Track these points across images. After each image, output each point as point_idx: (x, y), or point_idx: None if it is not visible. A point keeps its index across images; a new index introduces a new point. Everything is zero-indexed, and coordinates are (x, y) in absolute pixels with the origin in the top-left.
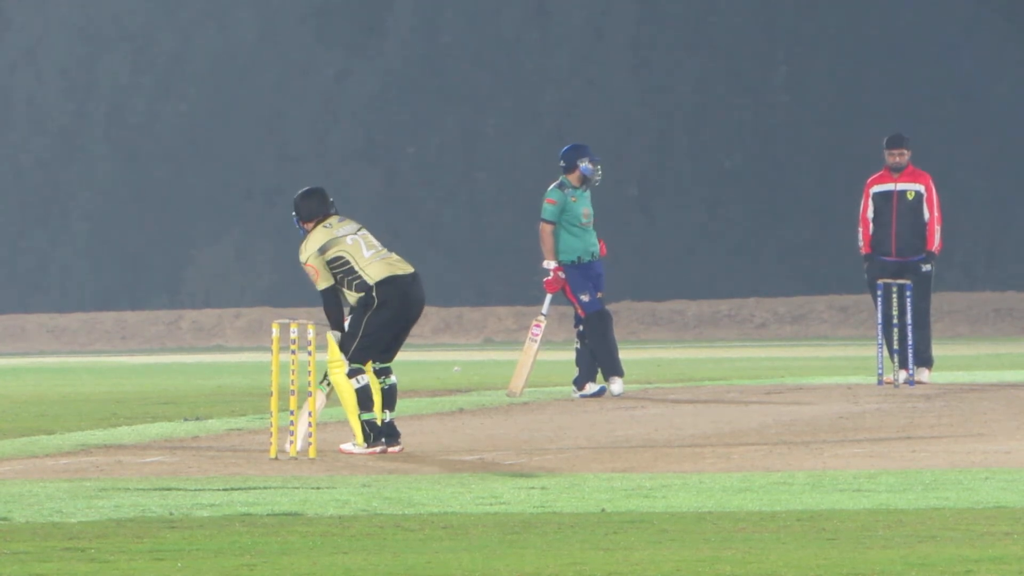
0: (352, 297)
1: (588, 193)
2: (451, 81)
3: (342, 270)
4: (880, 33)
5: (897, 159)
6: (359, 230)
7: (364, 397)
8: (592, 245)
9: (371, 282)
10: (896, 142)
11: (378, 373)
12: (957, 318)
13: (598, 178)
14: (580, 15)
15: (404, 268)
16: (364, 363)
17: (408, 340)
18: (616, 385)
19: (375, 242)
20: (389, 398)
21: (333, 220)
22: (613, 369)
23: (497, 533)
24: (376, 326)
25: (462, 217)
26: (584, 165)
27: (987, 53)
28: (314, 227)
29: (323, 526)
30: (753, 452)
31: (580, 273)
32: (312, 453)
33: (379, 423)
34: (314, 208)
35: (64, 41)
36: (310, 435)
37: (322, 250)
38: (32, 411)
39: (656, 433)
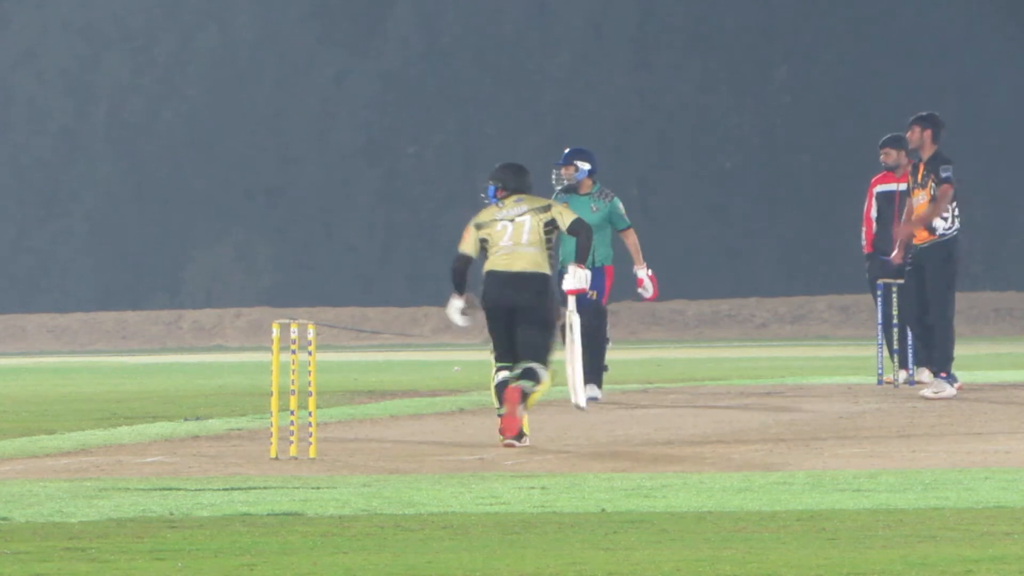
0: None
1: (596, 200)
2: (451, 81)
3: (484, 252)
4: (880, 33)
5: (883, 159)
6: (523, 215)
7: (496, 393)
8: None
9: (483, 272)
10: (884, 142)
11: (519, 374)
12: (957, 318)
13: (554, 183)
14: (580, 15)
15: (509, 265)
16: (498, 360)
17: (408, 340)
18: (593, 390)
19: (525, 235)
20: (523, 373)
21: (510, 200)
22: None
23: (497, 533)
24: (487, 320)
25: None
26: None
27: (987, 53)
28: (501, 199)
29: (323, 526)
30: (753, 452)
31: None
32: (312, 453)
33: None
34: (508, 182)
35: (64, 41)
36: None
37: (478, 225)
38: (32, 411)
39: (656, 433)
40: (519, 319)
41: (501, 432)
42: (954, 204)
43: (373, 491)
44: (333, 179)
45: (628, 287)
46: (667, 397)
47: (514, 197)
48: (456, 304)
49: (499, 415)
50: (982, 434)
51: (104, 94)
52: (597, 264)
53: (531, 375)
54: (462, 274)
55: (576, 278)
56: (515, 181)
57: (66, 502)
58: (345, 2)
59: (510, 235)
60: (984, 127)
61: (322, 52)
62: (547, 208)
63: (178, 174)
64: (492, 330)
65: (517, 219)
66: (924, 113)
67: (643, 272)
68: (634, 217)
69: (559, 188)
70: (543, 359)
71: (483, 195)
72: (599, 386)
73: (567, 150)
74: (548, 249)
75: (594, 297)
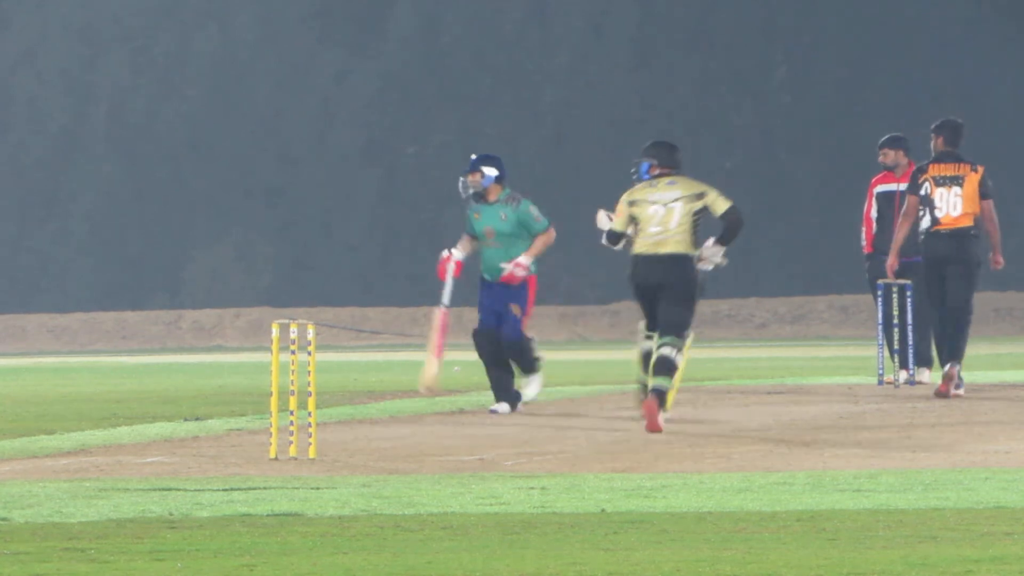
0: None
1: (505, 207)
2: (451, 81)
3: (633, 229)
4: (880, 33)
5: (881, 159)
6: (675, 200)
7: (640, 361)
8: (493, 268)
9: (631, 253)
10: (883, 143)
11: (658, 346)
12: None
13: (460, 191)
14: (580, 15)
15: (652, 248)
16: (647, 328)
17: (407, 340)
18: (502, 407)
19: (674, 222)
20: (657, 362)
21: (663, 182)
22: (497, 396)
23: (497, 533)
24: (635, 297)
25: (462, 217)
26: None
27: (987, 53)
28: (654, 177)
29: (323, 526)
30: (753, 452)
31: (480, 290)
32: (312, 453)
33: (646, 385)
34: (661, 158)
35: (64, 41)
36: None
37: (631, 203)
38: (32, 411)
39: (656, 433)
40: (662, 296)
41: (646, 427)
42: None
43: (373, 491)
44: (333, 179)
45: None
46: None
47: (667, 178)
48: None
49: (639, 379)
50: (982, 434)
51: (104, 94)
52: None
53: (664, 367)
54: (615, 242)
55: (711, 251)
56: (669, 158)
57: (65, 502)
58: (345, 2)
59: (660, 220)
60: (984, 127)
61: (322, 52)
62: (701, 196)
63: (178, 174)
64: (640, 304)
65: (670, 204)
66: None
67: (524, 259)
68: None
69: (466, 196)
70: (681, 333)
71: (633, 171)
72: (536, 372)
73: (473, 157)
74: (695, 234)
75: (518, 313)
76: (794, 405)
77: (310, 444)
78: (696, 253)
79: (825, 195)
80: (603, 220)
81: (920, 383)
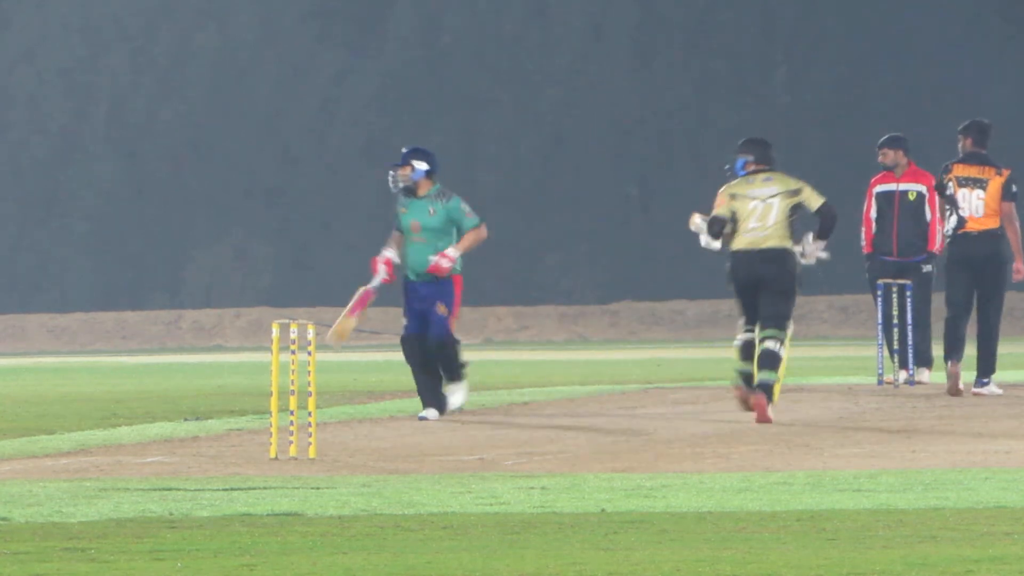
0: None
1: (434, 202)
2: (451, 81)
3: (731, 224)
4: (880, 34)
5: (880, 159)
6: (773, 196)
7: (740, 352)
8: (417, 264)
9: (730, 249)
10: (882, 143)
11: (760, 339)
12: None
13: (390, 185)
14: (580, 15)
15: (752, 244)
16: (745, 324)
17: None
18: (431, 412)
19: (771, 218)
20: (761, 356)
21: (760, 177)
22: (425, 401)
23: (497, 533)
24: (735, 292)
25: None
26: None
27: (987, 53)
28: (750, 173)
29: (323, 526)
30: (753, 452)
31: (405, 292)
32: (312, 453)
33: (747, 374)
34: (757, 155)
35: (64, 41)
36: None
37: (732, 196)
38: (32, 411)
39: (656, 433)
40: (764, 290)
41: (756, 419)
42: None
43: (373, 491)
44: (333, 179)
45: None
46: (667, 397)
47: (763, 175)
48: (699, 223)
49: (737, 370)
50: (982, 434)
51: (104, 94)
52: (453, 271)
53: (768, 361)
54: (719, 234)
55: (813, 246)
56: (763, 154)
57: (65, 502)
58: (345, 2)
59: (758, 216)
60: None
61: (322, 52)
62: (797, 192)
63: (178, 174)
64: (740, 300)
65: (767, 200)
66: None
67: (452, 251)
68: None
69: (396, 190)
70: (783, 325)
71: (727, 168)
72: (461, 380)
73: (404, 150)
74: (791, 228)
75: (444, 313)
76: (794, 405)
77: (310, 444)
78: (795, 247)
79: (825, 195)
80: (698, 222)
81: (920, 383)
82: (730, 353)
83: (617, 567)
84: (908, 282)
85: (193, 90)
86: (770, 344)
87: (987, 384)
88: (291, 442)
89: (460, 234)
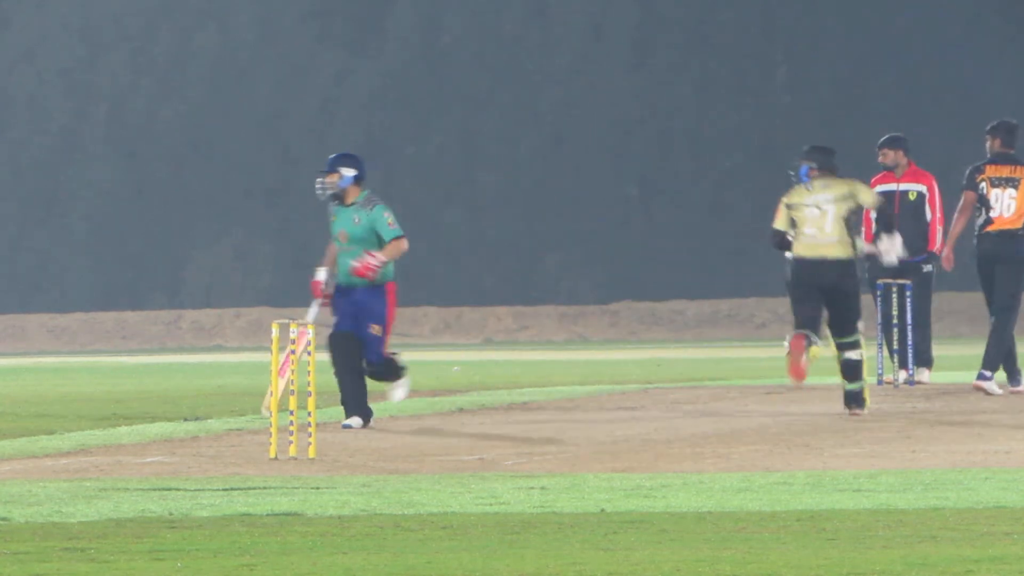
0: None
1: (360, 211)
2: (451, 81)
3: (792, 230)
4: (880, 33)
5: (881, 159)
6: (829, 203)
7: (790, 358)
8: (345, 272)
9: (790, 255)
10: (882, 143)
11: (837, 347)
12: (957, 318)
13: (318, 192)
14: (580, 15)
15: (815, 251)
16: (797, 327)
17: (407, 340)
18: (354, 421)
19: (828, 225)
20: (844, 369)
21: (819, 184)
22: (348, 410)
23: (497, 533)
24: (793, 297)
25: (462, 217)
26: None
27: (987, 53)
28: (811, 180)
29: (323, 526)
30: (753, 452)
31: (335, 294)
32: (312, 453)
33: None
34: (821, 162)
35: (64, 41)
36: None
37: (789, 206)
38: (32, 411)
39: (656, 433)
40: (831, 298)
41: (848, 407)
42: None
43: (373, 491)
44: None
45: (628, 286)
46: (667, 397)
47: (822, 181)
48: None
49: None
50: (982, 434)
51: (104, 94)
52: (377, 283)
53: (853, 372)
54: (781, 245)
55: (888, 243)
56: (826, 162)
57: (65, 502)
58: (345, 2)
59: (815, 222)
60: (984, 127)
61: (321, 52)
62: (851, 195)
63: (178, 174)
64: (798, 304)
65: (823, 206)
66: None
67: (378, 254)
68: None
69: (324, 198)
70: (854, 330)
71: (792, 173)
72: (401, 376)
73: (331, 156)
74: (850, 232)
75: (377, 332)
76: (794, 405)
77: (310, 444)
78: (868, 249)
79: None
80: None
81: (920, 383)
82: (730, 353)
83: (617, 567)
84: (908, 282)
85: (193, 90)
86: (850, 354)
87: (989, 379)
88: (291, 442)
89: (382, 244)
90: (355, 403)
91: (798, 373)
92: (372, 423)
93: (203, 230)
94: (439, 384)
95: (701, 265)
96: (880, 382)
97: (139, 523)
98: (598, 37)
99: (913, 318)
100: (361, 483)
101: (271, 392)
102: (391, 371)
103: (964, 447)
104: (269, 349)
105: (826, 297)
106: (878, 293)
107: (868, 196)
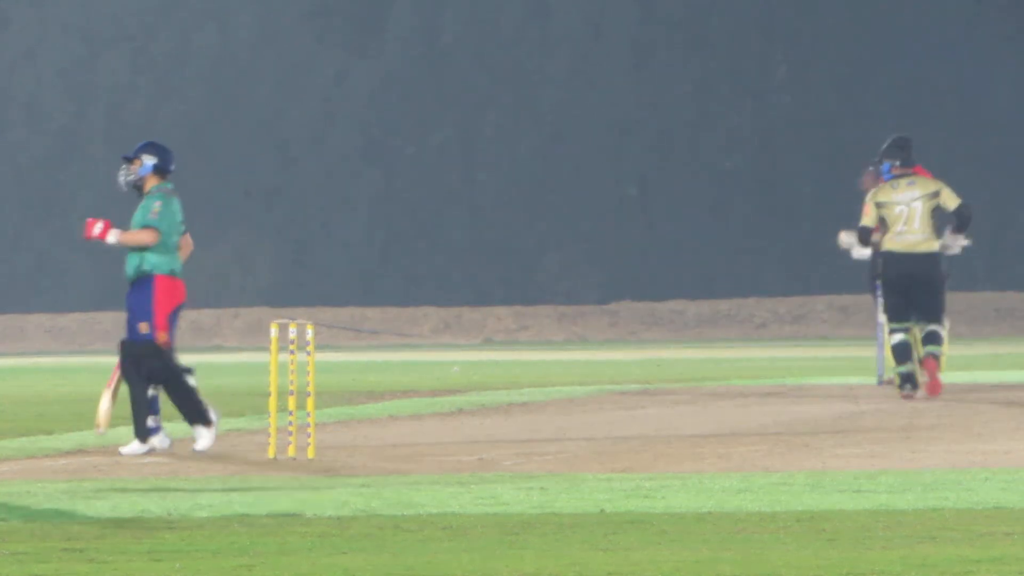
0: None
1: (145, 198)
2: (451, 81)
3: (881, 228)
4: (880, 33)
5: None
6: (916, 200)
7: (896, 352)
8: (126, 267)
9: (881, 249)
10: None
11: (923, 337)
12: (957, 318)
13: (121, 179)
14: (580, 15)
15: (905, 246)
16: (891, 321)
17: (407, 340)
18: (203, 439)
19: (916, 222)
20: (927, 338)
21: (903, 182)
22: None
23: (497, 533)
24: (884, 289)
25: (462, 217)
26: None
27: (987, 53)
28: (895, 178)
29: (322, 526)
30: (753, 452)
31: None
32: (311, 453)
33: (913, 376)
34: (903, 159)
35: (64, 41)
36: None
37: (878, 204)
38: (32, 411)
39: (656, 433)
40: (916, 290)
41: (928, 390)
42: None
43: (372, 491)
44: (332, 179)
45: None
46: (667, 397)
47: (907, 179)
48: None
49: (897, 372)
50: (982, 434)
51: (103, 94)
52: (144, 272)
53: (934, 339)
54: (868, 241)
55: (952, 239)
56: (908, 159)
57: (64, 503)
58: (345, 2)
59: (905, 220)
60: (984, 127)
61: (321, 52)
62: (936, 194)
63: (177, 174)
64: (889, 298)
65: (912, 204)
66: None
67: (99, 225)
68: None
69: (125, 187)
70: (939, 319)
71: (872, 168)
72: (207, 424)
73: (139, 143)
74: (935, 228)
75: (145, 330)
76: (794, 405)
77: (309, 444)
78: (941, 243)
79: (825, 195)
80: (844, 239)
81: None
82: (730, 353)
83: (617, 567)
84: None
85: (193, 90)
86: (935, 327)
87: None
88: (290, 442)
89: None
90: (137, 423)
91: (937, 388)
92: (164, 445)
93: (202, 230)
94: (439, 384)
95: (701, 265)
96: (880, 382)
97: (138, 524)
98: (598, 37)
99: None
100: (360, 483)
101: (103, 404)
102: (178, 386)
103: (964, 447)
104: (268, 349)
105: (916, 288)
106: (878, 293)
107: (952, 200)
